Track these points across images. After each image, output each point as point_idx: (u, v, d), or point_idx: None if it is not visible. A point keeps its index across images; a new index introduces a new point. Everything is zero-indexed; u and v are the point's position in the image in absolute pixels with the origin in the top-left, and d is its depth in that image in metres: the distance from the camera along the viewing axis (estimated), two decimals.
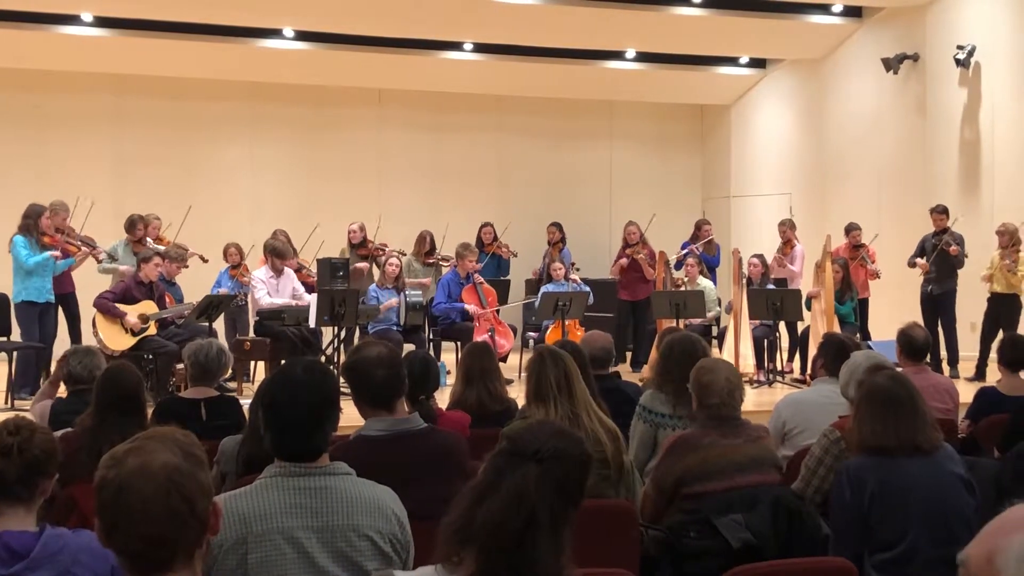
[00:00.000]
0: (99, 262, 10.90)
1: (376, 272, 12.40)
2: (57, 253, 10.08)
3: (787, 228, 13.05)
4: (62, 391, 6.07)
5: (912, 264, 11.94)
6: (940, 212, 11.88)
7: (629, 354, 12.89)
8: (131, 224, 11.35)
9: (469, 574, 2.27)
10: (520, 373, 11.38)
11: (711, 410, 4.48)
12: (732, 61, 16.64)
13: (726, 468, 4.34)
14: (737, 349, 11.43)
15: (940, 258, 11.63)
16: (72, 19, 13.56)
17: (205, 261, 11.85)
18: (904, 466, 3.92)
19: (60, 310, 10.59)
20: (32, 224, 10.13)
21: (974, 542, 1.71)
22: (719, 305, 12.27)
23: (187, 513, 2.05)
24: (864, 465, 3.96)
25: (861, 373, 4.78)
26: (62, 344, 9.63)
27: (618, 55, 15.94)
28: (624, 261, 12.80)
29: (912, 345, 6.36)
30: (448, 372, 10.54)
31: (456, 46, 15.21)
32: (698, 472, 4.35)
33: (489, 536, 2.26)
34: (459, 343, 11.45)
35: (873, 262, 12.36)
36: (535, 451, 2.34)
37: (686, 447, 4.43)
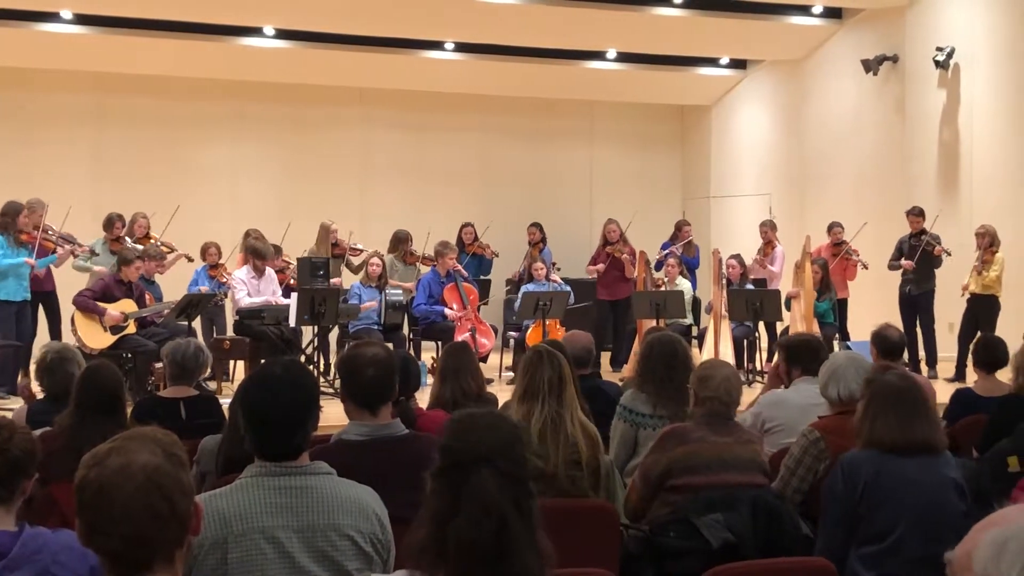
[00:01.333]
0: (75, 257, 10.78)
1: (344, 272, 12.42)
2: (33, 262, 9.97)
3: (768, 229, 13.08)
4: (39, 392, 6.04)
5: (895, 267, 11.98)
6: (916, 214, 11.95)
7: (607, 354, 12.88)
8: (109, 222, 11.30)
9: None
10: (501, 372, 11.41)
11: (706, 405, 4.52)
12: (712, 62, 16.68)
13: (713, 464, 4.37)
14: (717, 349, 11.45)
15: (919, 259, 11.70)
16: (51, 16, 13.49)
17: (190, 260, 11.80)
18: (901, 463, 3.94)
19: (40, 308, 10.54)
20: (9, 222, 10.04)
21: (961, 542, 1.74)
22: (691, 310, 12.26)
23: (168, 513, 2.05)
24: (861, 458, 3.99)
25: (847, 373, 4.81)
26: (42, 343, 9.53)
27: (599, 55, 15.96)
28: (601, 266, 12.79)
29: (887, 344, 6.40)
30: (429, 371, 10.52)
31: (438, 45, 15.20)
32: (685, 464, 4.38)
33: (465, 555, 2.25)
34: (439, 342, 11.45)
35: (858, 255, 12.40)
36: (480, 455, 2.32)
37: (676, 439, 4.47)
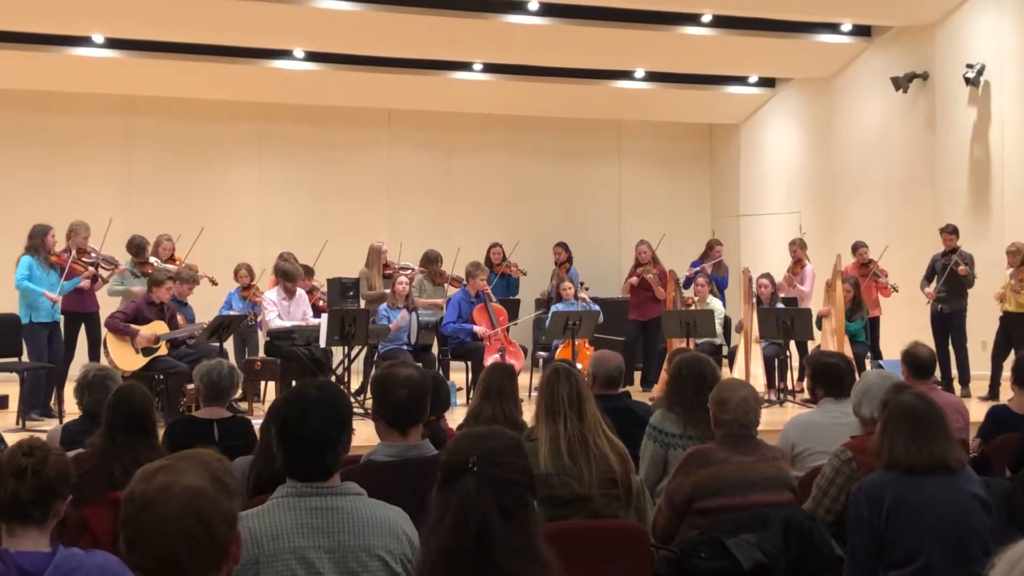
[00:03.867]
0: (105, 282, 10.80)
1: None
2: (53, 297, 9.96)
3: (798, 248, 13.01)
4: (75, 412, 6.06)
5: (924, 285, 11.91)
6: (950, 232, 11.86)
7: (638, 374, 12.85)
8: (140, 248, 11.21)
9: None
10: (531, 392, 11.38)
11: (725, 427, 4.50)
12: (741, 80, 16.66)
13: (739, 484, 4.34)
14: (748, 369, 11.40)
15: (950, 277, 11.62)
16: (83, 40, 13.62)
17: (215, 284, 11.79)
18: (923, 484, 3.91)
19: (83, 327, 10.57)
20: (38, 244, 10.09)
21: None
22: (721, 328, 12.19)
23: (203, 537, 2.05)
24: (882, 481, 3.95)
25: (880, 392, 4.76)
26: (81, 362, 9.54)
27: (627, 74, 15.98)
28: (634, 280, 12.80)
29: (918, 363, 6.34)
30: (459, 390, 10.53)
31: (466, 66, 15.25)
32: (710, 486, 4.36)
33: (446, 562, 2.26)
34: (469, 362, 11.45)
35: (885, 276, 12.33)
36: (466, 463, 2.34)
37: (700, 461, 4.45)
